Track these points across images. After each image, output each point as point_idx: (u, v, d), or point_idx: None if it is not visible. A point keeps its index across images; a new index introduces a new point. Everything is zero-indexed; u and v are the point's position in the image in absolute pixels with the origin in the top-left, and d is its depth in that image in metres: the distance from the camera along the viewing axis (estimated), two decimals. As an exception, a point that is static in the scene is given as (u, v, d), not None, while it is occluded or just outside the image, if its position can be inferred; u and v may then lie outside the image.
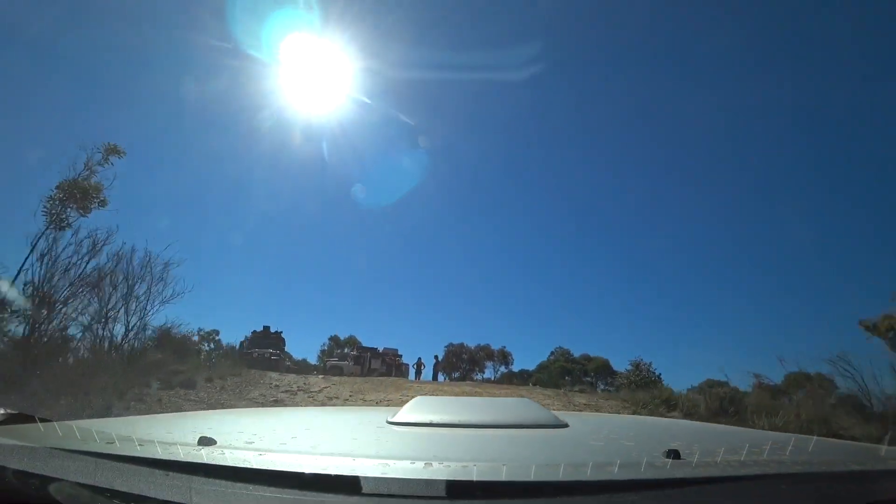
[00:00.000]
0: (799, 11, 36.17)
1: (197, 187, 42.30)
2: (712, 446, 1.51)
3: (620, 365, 41.68)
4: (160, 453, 1.09)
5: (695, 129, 45.34)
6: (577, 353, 44.15)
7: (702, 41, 39.47)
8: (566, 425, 1.80)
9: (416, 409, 2.00)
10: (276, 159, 37.54)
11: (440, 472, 1.01)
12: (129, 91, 35.38)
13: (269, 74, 23.72)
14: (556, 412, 2.12)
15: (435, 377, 25.63)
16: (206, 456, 1.07)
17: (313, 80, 26.12)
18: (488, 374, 39.73)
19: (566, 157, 51.89)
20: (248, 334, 26.14)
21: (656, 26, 40.47)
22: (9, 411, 1.41)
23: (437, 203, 50.58)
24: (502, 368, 39.66)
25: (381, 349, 28.88)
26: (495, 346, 39.31)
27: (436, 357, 25.48)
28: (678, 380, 56.17)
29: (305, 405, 11.40)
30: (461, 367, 37.09)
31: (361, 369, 26.95)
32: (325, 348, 41.19)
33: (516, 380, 43.49)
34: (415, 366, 25.98)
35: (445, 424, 1.77)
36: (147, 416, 2.35)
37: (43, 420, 1.41)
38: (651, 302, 52.03)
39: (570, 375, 40.31)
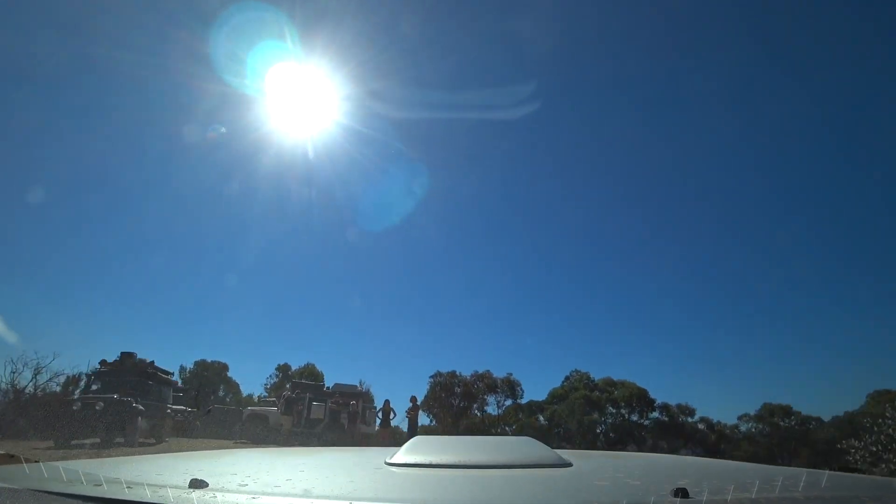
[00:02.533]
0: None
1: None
2: (721, 483, 1.47)
3: (659, 393, 33.54)
4: (149, 496, 1.07)
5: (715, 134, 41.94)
6: (596, 377, 34.66)
7: (696, 73, 40.48)
8: (570, 464, 1.73)
9: (415, 449, 1.92)
10: (255, 185, 38.58)
11: None
12: (111, 117, 35.91)
13: (252, 102, 24.90)
14: (559, 451, 2.00)
15: (412, 432, 15.89)
16: (198, 499, 1.06)
17: (290, 105, 27.59)
18: (491, 409, 30.08)
19: (571, 167, 45.49)
20: (97, 366, 15.74)
21: (650, 59, 41.08)
22: None
23: (423, 218, 44.16)
24: (508, 401, 30.02)
25: (329, 387, 19.09)
26: (498, 374, 29.72)
27: (413, 400, 15.85)
28: (716, 405, 47.20)
29: None
30: (454, 404, 27.43)
31: (297, 419, 17.12)
32: (272, 382, 31.19)
33: (523, 413, 33.98)
34: (379, 412, 16.32)
35: (445, 465, 1.71)
36: (137, 456, 2.33)
37: (28, 461, 1.40)
38: (677, 318, 43.75)
39: (594, 408, 30.74)
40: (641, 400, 30.36)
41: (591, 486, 1.46)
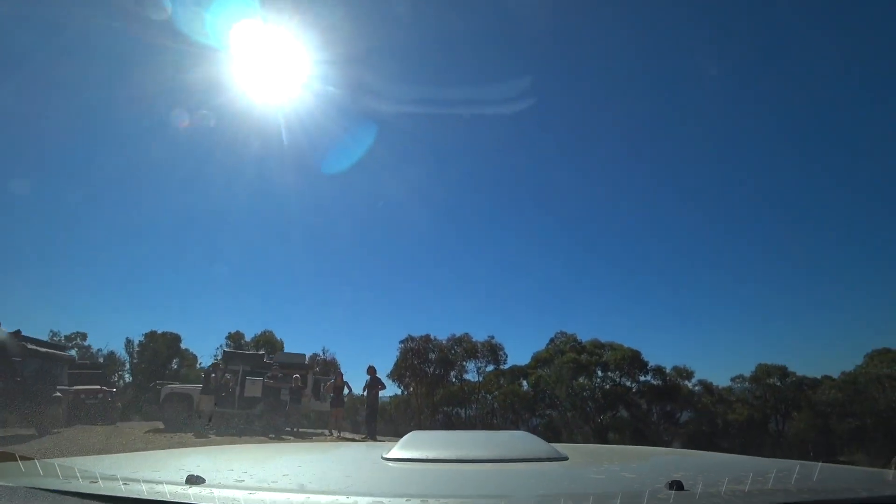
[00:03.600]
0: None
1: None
2: (716, 476, 1.51)
3: (653, 355, 31.32)
4: (146, 493, 1.07)
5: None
6: (582, 339, 32.06)
7: (689, 67, 38.98)
8: (566, 458, 1.72)
9: (412, 444, 1.92)
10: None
11: None
12: (58, 71, 32.01)
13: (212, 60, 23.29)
14: (554, 445, 1.98)
15: (372, 410, 12.56)
16: (194, 495, 1.05)
17: (252, 64, 25.63)
18: (470, 375, 27.20)
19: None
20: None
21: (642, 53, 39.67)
22: None
23: (393, 172, 40.62)
24: (490, 367, 27.13)
25: (270, 357, 15.61)
26: (478, 338, 26.69)
27: (370, 371, 12.50)
28: (707, 367, 45.71)
29: None
30: (428, 371, 24.38)
31: (228, 399, 13.68)
32: (221, 352, 27.52)
33: (505, 379, 31.38)
34: (327, 388, 12.98)
35: (442, 460, 1.71)
36: (133, 453, 2.34)
37: (24, 458, 1.38)
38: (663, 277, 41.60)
39: (582, 372, 28.18)
40: (634, 363, 27.89)
41: (587, 478, 1.50)
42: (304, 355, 15.73)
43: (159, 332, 34.09)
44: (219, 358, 27.13)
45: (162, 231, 43.08)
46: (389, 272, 48.58)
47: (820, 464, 1.52)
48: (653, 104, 42.74)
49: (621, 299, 43.44)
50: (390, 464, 1.63)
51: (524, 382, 31.10)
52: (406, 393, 25.43)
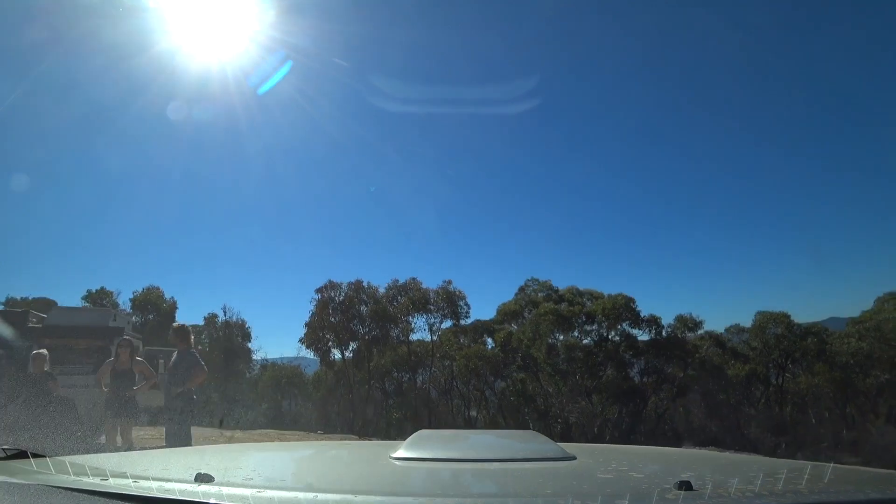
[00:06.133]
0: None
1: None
2: (725, 476, 1.50)
3: (647, 304, 26.26)
4: (155, 490, 1.07)
5: None
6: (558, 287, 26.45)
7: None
8: (573, 458, 1.70)
9: (418, 443, 1.88)
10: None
11: None
12: None
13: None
14: (562, 444, 1.94)
15: (179, 430, 5.74)
16: (203, 493, 1.05)
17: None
18: (421, 334, 20.97)
19: None
20: None
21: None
22: (3, 447, 1.38)
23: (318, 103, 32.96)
24: (447, 322, 20.92)
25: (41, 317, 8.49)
26: (430, 284, 20.26)
27: (177, 335, 5.82)
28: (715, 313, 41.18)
29: None
30: (358, 331, 17.90)
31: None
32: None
33: (466, 338, 25.67)
34: (100, 375, 6.17)
35: (449, 459, 1.70)
36: (142, 451, 2.34)
37: (35, 455, 1.39)
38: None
39: (565, 326, 22.58)
40: (626, 313, 22.50)
41: (595, 478, 1.48)
42: (109, 311, 8.84)
43: (29, 298, 25.88)
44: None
45: (25, 168, 33.82)
46: (318, 209, 41.15)
47: (832, 465, 1.50)
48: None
49: (594, 238, 38.25)
50: (398, 463, 1.62)
51: (489, 341, 25.48)
52: (318, 357, 18.95)
